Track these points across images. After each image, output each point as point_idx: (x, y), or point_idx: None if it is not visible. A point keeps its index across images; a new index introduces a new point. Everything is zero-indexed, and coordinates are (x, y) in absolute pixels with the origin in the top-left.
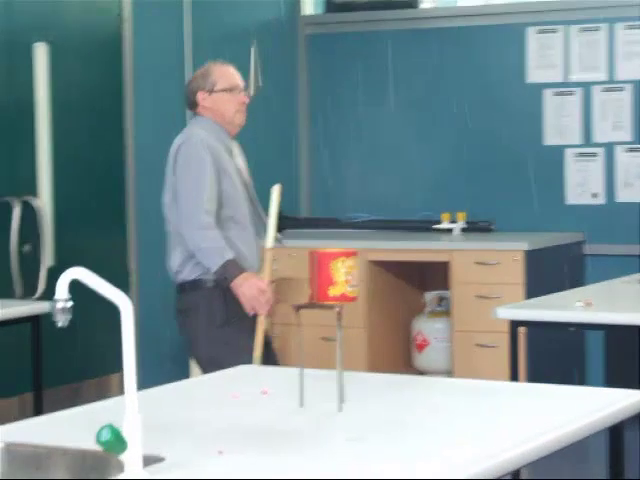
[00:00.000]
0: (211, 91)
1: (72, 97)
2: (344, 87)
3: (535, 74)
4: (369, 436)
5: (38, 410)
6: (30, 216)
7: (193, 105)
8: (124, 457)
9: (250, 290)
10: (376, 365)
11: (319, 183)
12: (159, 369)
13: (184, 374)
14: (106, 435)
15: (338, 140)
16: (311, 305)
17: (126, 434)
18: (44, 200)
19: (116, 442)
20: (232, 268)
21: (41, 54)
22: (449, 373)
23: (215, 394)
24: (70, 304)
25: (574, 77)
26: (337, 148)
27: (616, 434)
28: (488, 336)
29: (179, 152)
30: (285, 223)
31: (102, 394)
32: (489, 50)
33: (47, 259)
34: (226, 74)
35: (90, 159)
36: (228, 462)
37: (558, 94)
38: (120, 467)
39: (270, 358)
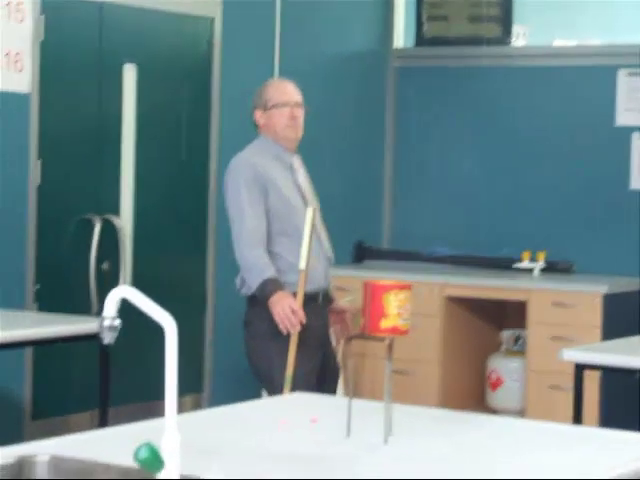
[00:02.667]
0: (265, 108)
1: (158, 119)
2: (430, 120)
3: (624, 116)
4: (410, 470)
5: (103, 427)
6: (111, 235)
7: (255, 125)
8: (161, 476)
9: (283, 310)
10: (448, 401)
11: (402, 215)
12: (234, 389)
13: (258, 394)
14: (144, 453)
15: (422, 173)
16: (362, 336)
17: (164, 453)
18: (125, 219)
19: (153, 460)
20: (270, 286)
21: (130, 75)
22: (522, 413)
23: (264, 419)
24: (118, 322)
25: None
26: (421, 181)
27: None
28: (561, 377)
29: (225, 176)
30: (366, 254)
31: None
32: (579, 90)
33: (125, 277)
34: (278, 90)
35: (173, 181)
36: None
37: None
38: None
39: (329, 385)
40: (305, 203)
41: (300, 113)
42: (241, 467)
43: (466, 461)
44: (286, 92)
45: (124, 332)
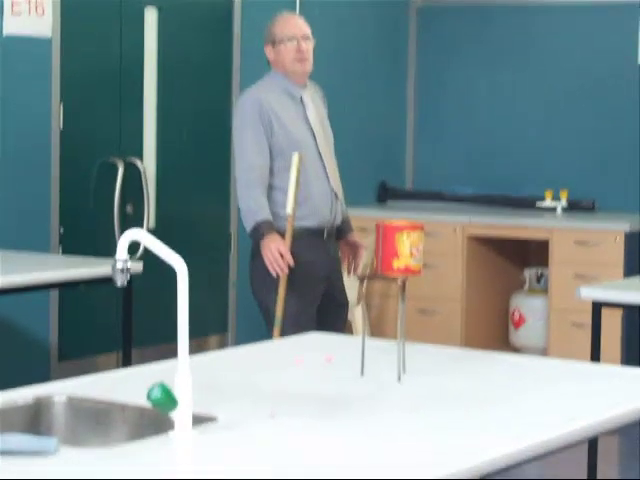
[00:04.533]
0: (273, 43)
1: (180, 61)
2: (452, 60)
3: None
4: (423, 407)
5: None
6: (134, 177)
7: (268, 61)
8: (174, 415)
9: (272, 253)
10: (471, 340)
11: (425, 156)
12: (259, 329)
13: None
14: (156, 393)
15: (444, 113)
16: (375, 276)
17: (177, 393)
18: (148, 162)
19: (166, 400)
20: (262, 229)
21: (151, 18)
22: (545, 351)
23: (279, 359)
24: (130, 265)
25: None
26: (443, 121)
27: None
28: (583, 316)
29: (233, 112)
30: (389, 194)
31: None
32: (601, 29)
33: (149, 220)
34: (284, 25)
35: (195, 123)
36: (279, 425)
37: None
38: (172, 425)
39: (334, 318)
40: (314, 137)
41: (308, 46)
42: (255, 406)
43: (480, 398)
44: (293, 26)
45: (149, 273)
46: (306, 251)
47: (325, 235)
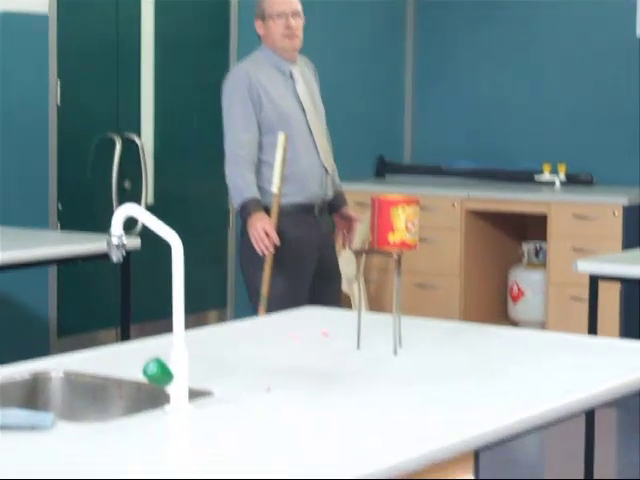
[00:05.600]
0: (263, 18)
1: (177, 37)
2: (450, 34)
3: None
4: (418, 380)
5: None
6: (132, 153)
7: (258, 36)
8: (170, 390)
9: (256, 232)
10: (470, 314)
11: (423, 130)
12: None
13: None
14: (152, 368)
15: (442, 88)
16: (370, 250)
17: (172, 367)
18: (146, 137)
19: (162, 375)
20: (249, 208)
21: None
22: (543, 325)
23: (275, 334)
24: (125, 240)
25: None
26: (441, 96)
27: None
28: (582, 289)
29: (222, 87)
30: (388, 169)
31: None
32: (602, 2)
33: (147, 196)
34: (275, 0)
35: (193, 98)
36: (275, 399)
37: None
38: (168, 399)
39: (332, 297)
40: (304, 112)
41: (297, 23)
42: (251, 380)
43: (476, 371)
44: (282, 2)
45: (149, 249)
46: (294, 228)
47: (316, 211)
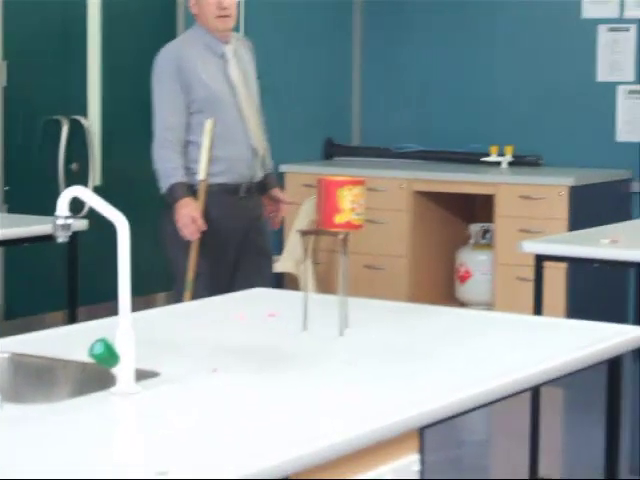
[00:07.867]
0: None
1: (124, 17)
2: (400, 18)
3: (590, 9)
4: (364, 360)
5: None
6: (79, 135)
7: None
8: (117, 370)
9: (183, 217)
10: (417, 295)
11: (371, 112)
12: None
13: None
14: (98, 348)
15: (391, 70)
16: (316, 231)
17: (119, 348)
18: (93, 119)
19: (108, 355)
20: (176, 192)
21: None
22: (491, 305)
23: (221, 315)
24: (70, 221)
25: (629, 13)
26: (389, 78)
27: (615, 368)
28: (529, 270)
29: (153, 69)
30: (336, 151)
31: None
32: None
33: (94, 178)
34: None
35: (140, 80)
36: (221, 379)
37: (612, 30)
38: (114, 381)
39: (260, 273)
40: (234, 94)
41: (231, 1)
42: (197, 361)
43: (421, 350)
44: None
45: (96, 231)
46: (216, 208)
47: (242, 191)
